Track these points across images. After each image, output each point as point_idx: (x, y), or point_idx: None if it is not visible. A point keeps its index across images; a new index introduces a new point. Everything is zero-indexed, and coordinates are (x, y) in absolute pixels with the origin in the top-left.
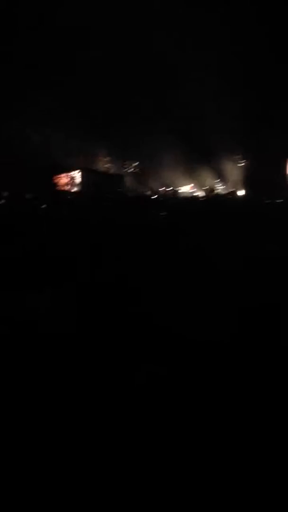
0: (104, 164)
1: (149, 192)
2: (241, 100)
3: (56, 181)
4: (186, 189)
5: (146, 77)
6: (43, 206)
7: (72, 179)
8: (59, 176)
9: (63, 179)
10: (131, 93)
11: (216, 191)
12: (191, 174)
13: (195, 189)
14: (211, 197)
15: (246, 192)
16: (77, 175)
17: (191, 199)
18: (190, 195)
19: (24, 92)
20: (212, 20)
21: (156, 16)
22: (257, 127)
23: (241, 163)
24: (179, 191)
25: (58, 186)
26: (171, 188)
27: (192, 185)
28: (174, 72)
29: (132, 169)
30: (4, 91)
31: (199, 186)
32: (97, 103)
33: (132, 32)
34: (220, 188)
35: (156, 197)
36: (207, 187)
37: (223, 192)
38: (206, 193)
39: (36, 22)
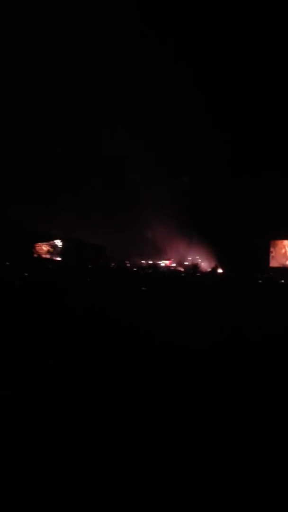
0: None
1: (129, 265)
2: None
3: (37, 249)
4: (165, 263)
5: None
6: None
7: (53, 247)
8: (41, 244)
9: (44, 248)
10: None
11: (197, 267)
12: (171, 249)
13: (174, 264)
14: (193, 273)
15: (223, 270)
16: (58, 244)
17: (171, 274)
18: (170, 269)
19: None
20: None
21: None
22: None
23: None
24: (159, 264)
25: (39, 254)
26: (152, 261)
27: (172, 259)
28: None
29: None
30: None
31: (179, 261)
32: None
33: None
34: (200, 264)
35: (136, 270)
36: (189, 262)
37: (204, 269)
38: (186, 269)
39: None
